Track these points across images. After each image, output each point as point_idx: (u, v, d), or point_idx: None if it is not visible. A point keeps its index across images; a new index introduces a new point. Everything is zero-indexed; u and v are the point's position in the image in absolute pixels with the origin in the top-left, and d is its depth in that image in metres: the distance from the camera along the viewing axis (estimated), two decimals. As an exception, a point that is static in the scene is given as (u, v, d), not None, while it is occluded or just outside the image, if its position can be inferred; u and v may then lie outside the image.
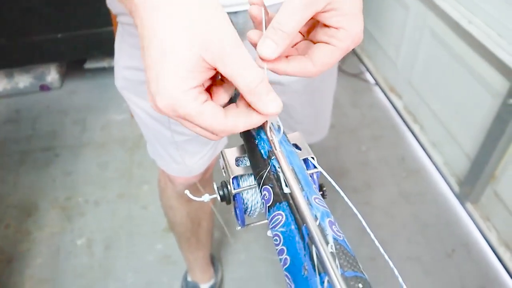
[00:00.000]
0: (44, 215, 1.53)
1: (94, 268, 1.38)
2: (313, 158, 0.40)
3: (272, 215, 0.33)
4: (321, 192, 0.40)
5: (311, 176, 0.41)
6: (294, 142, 0.42)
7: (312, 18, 0.37)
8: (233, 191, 0.39)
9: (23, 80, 2.06)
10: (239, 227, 0.42)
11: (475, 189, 1.46)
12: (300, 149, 0.41)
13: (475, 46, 1.38)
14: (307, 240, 0.30)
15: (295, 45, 0.43)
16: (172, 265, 1.39)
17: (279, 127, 0.39)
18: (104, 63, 2.16)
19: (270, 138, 0.37)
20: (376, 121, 1.93)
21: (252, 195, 0.40)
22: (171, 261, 1.40)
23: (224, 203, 0.41)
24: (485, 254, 1.41)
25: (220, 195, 0.40)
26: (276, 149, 0.36)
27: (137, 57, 0.71)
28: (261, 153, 0.37)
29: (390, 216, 1.53)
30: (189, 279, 1.29)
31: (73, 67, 2.20)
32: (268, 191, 0.34)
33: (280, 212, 0.32)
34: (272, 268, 1.38)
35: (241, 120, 0.35)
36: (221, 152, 0.41)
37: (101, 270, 1.37)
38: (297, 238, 0.31)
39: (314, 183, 0.40)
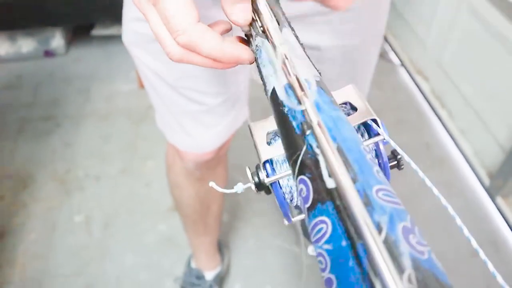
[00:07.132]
0: (41, 188, 1.43)
1: (91, 247, 1.28)
2: (374, 120, 0.28)
3: (313, 223, 0.21)
4: (395, 162, 0.28)
5: (375, 148, 0.29)
6: (345, 101, 0.30)
7: None
8: (266, 180, 0.28)
9: (26, 45, 1.95)
10: (286, 223, 0.32)
11: (507, 183, 1.33)
12: (355, 109, 0.29)
13: (521, 24, 1.23)
14: (367, 266, 0.18)
15: None
16: (175, 248, 1.29)
17: (317, 82, 0.27)
18: (113, 30, 2.02)
19: (301, 100, 0.24)
20: (400, 105, 1.79)
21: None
22: (174, 243, 1.30)
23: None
24: (515, 254, 1.29)
25: (255, 183, 0.28)
26: (311, 120, 0.23)
27: None
28: (292, 126, 0.25)
29: (411, 207, 1.40)
30: (193, 265, 1.19)
31: (79, 33, 2.08)
32: (306, 185, 0.22)
33: (324, 218, 0.21)
34: (282, 257, 1.27)
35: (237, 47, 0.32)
36: (248, 125, 0.30)
37: (98, 250, 1.28)
38: (351, 262, 0.19)
39: (380, 156, 0.28)
